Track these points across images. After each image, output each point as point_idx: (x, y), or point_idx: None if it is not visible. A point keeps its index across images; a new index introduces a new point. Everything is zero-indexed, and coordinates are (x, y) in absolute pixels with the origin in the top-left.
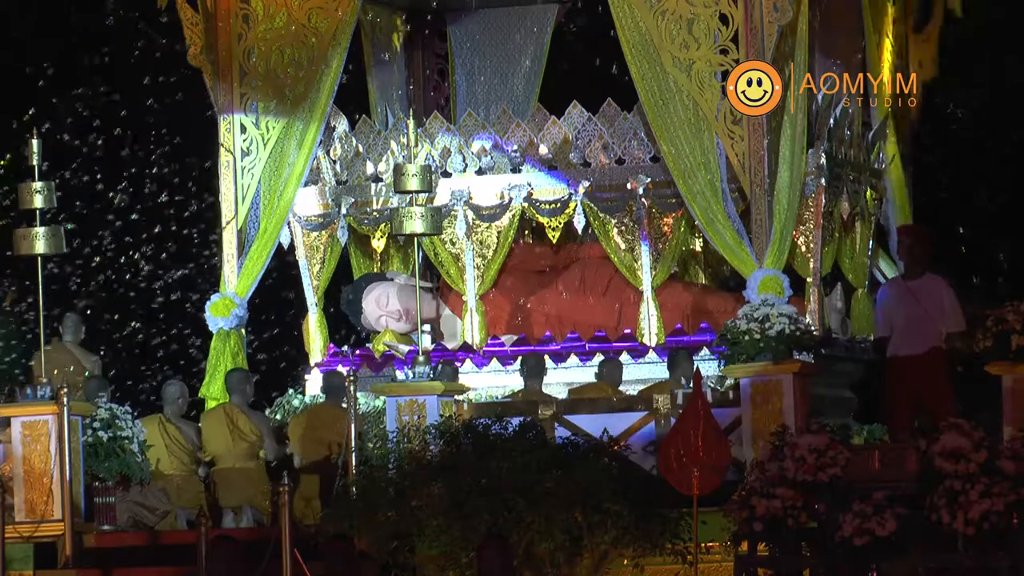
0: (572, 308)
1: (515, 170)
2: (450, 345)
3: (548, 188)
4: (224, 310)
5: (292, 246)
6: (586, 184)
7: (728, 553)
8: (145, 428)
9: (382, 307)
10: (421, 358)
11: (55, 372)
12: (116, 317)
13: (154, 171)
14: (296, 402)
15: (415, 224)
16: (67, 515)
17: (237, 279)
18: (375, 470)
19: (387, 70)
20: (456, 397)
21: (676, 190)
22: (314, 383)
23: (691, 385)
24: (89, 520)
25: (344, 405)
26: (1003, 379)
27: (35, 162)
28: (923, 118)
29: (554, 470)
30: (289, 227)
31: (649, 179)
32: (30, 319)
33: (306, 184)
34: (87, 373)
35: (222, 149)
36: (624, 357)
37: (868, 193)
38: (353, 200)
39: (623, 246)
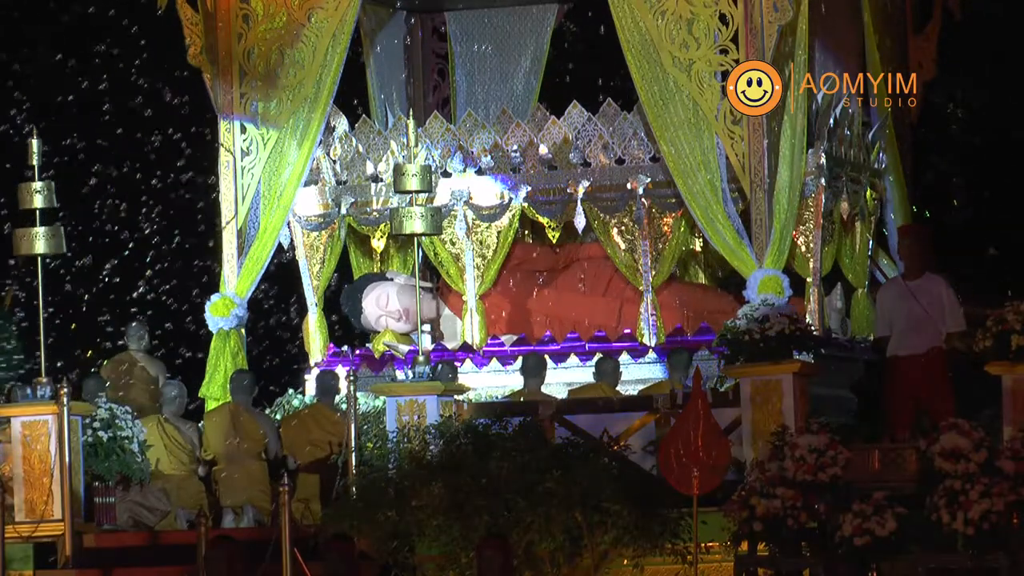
0: (572, 308)
1: (515, 170)
2: (450, 345)
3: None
4: (224, 310)
5: (292, 246)
6: (586, 184)
7: (728, 553)
8: (144, 428)
9: (382, 307)
10: (421, 358)
11: (122, 381)
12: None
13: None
14: (296, 402)
15: (415, 224)
16: (67, 515)
17: (237, 279)
18: (375, 470)
19: (387, 70)
20: (456, 397)
21: (676, 190)
22: (314, 383)
23: (691, 385)
24: (89, 520)
25: (336, 406)
26: (1003, 379)
27: (35, 162)
28: (923, 118)
29: (554, 470)
30: (289, 227)
31: (649, 179)
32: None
33: (306, 184)
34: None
35: (222, 149)
36: (624, 357)
37: (868, 193)
38: (353, 200)
39: (623, 246)
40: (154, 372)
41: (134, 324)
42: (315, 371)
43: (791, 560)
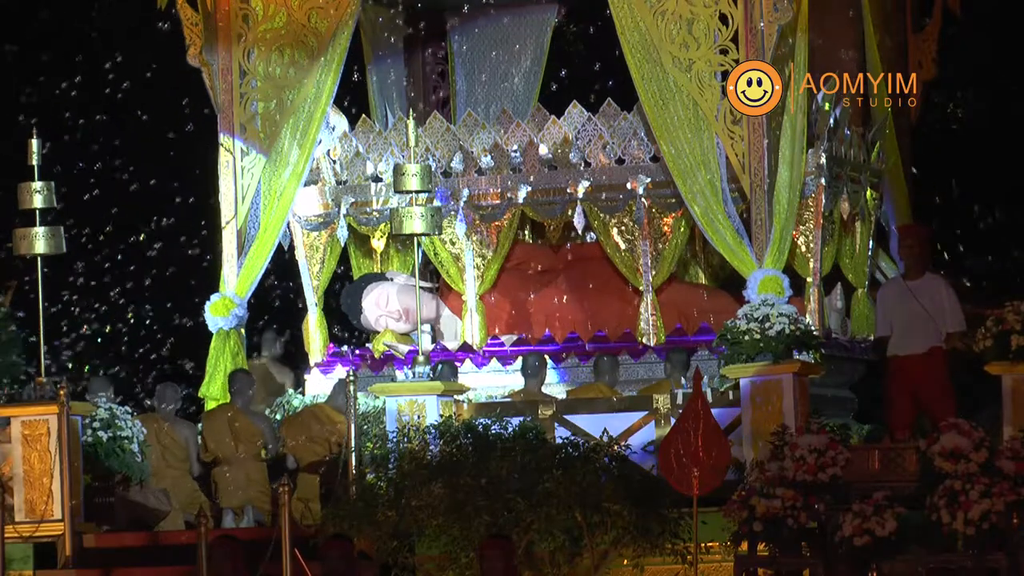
0: (572, 308)
1: (515, 170)
2: (450, 345)
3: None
4: (223, 310)
5: (292, 246)
6: (586, 184)
7: (728, 553)
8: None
9: (382, 307)
10: (421, 358)
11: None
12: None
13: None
14: (296, 402)
15: (415, 224)
16: (67, 515)
17: (237, 279)
18: (375, 470)
19: (387, 70)
20: (456, 397)
21: (676, 190)
22: (314, 383)
23: (691, 385)
24: (89, 520)
25: (337, 406)
26: (1003, 379)
27: (35, 162)
28: (923, 118)
29: (554, 470)
30: (289, 227)
31: (649, 179)
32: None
33: (306, 184)
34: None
35: (222, 149)
36: (624, 357)
37: (868, 193)
38: (353, 200)
39: (623, 246)
40: (282, 380)
41: (269, 332)
42: (315, 371)
43: (791, 560)
